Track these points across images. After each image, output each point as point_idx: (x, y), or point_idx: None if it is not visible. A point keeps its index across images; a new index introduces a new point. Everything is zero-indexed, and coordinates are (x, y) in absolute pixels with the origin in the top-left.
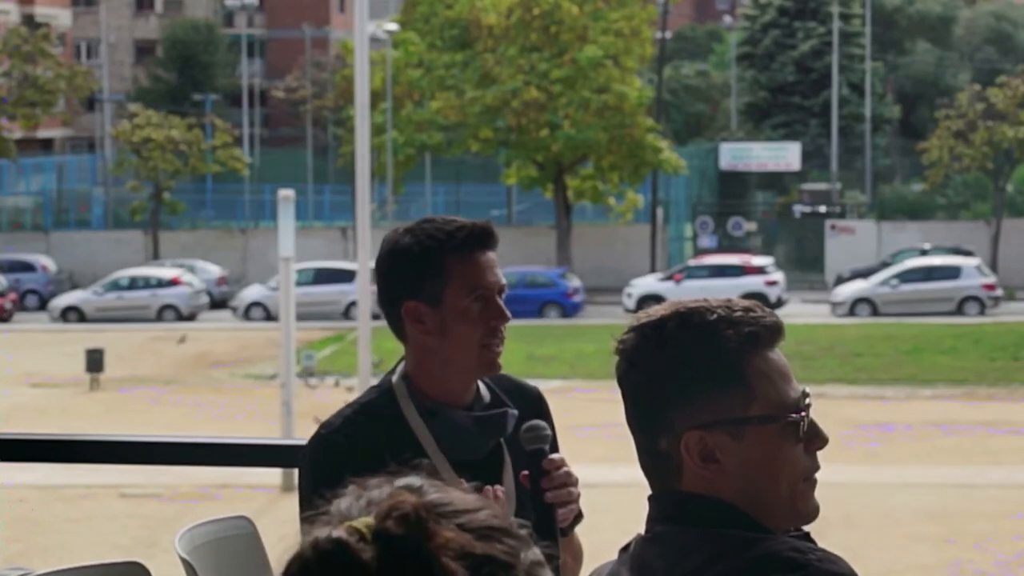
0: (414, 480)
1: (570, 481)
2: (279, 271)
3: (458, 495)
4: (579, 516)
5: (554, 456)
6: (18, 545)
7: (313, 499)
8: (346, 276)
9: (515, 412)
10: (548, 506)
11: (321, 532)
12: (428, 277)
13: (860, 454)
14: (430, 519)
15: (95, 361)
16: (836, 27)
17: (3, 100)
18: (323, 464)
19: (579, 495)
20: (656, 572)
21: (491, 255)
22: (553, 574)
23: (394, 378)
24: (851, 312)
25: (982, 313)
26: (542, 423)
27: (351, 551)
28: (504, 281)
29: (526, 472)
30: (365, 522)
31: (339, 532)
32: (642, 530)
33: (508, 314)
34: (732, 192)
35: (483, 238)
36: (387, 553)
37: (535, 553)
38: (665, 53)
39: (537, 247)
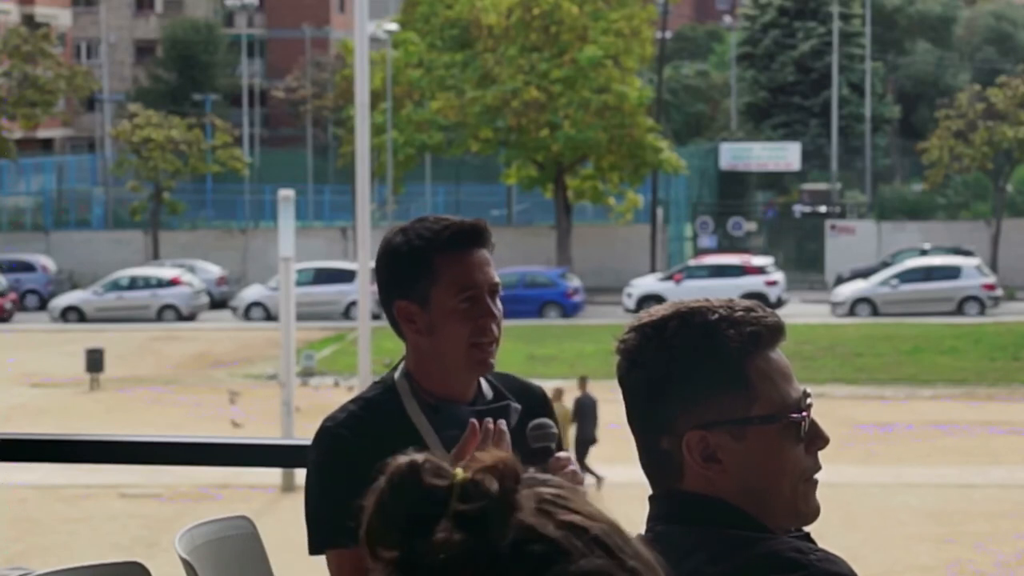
0: (551, 477)
1: (576, 480)
2: (279, 271)
3: (584, 502)
4: None
5: (560, 455)
6: (18, 545)
7: (320, 490)
8: (346, 276)
9: (518, 406)
10: None
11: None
12: (417, 277)
13: (860, 454)
14: (521, 492)
15: (95, 361)
16: (836, 27)
17: (3, 100)
18: (328, 457)
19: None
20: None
21: (481, 253)
22: None
23: (396, 374)
24: (851, 312)
25: (982, 313)
26: (548, 421)
27: (422, 474)
28: (497, 280)
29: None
30: (460, 471)
31: (418, 457)
32: (643, 530)
33: (498, 313)
34: (732, 192)
35: (472, 236)
36: (462, 495)
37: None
38: (665, 53)
39: (537, 247)
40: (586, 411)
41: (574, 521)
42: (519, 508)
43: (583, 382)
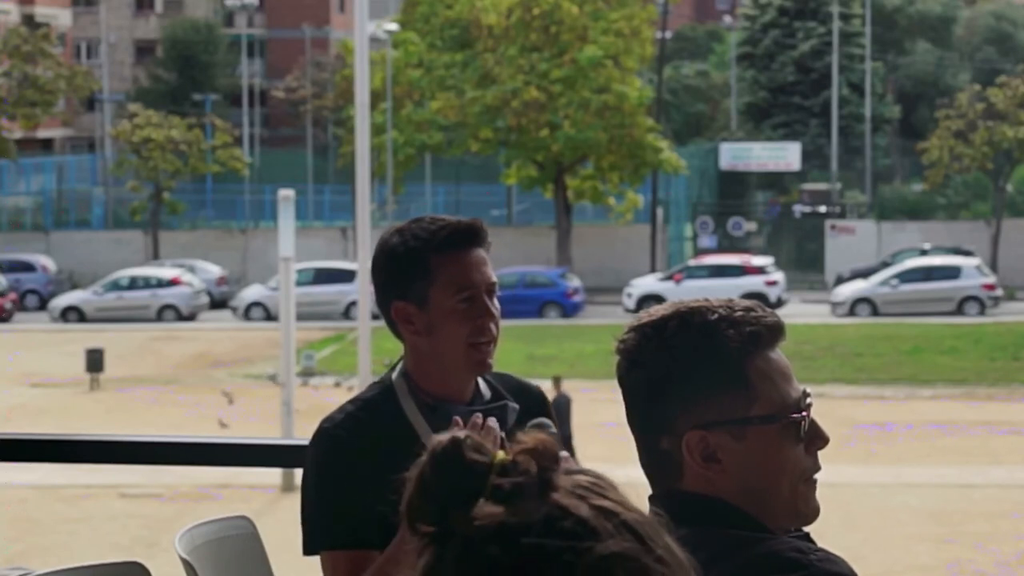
0: (590, 468)
1: None
2: (279, 271)
3: (619, 492)
4: None
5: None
6: (18, 545)
7: (317, 491)
8: (346, 276)
9: (515, 406)
10: None
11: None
12: (414, 278)
13: (860, 454)
14: (558, 474)
15: (95, 361)
16: (836, 27)
17: (3, 100)
18: (325, 457)
19: None
20: None
21: (478, 253)
22: None
23: (394, 375)
24: (851, 312)
25: (982, 313)
26: (547, 421)
27: (464, 450)
28: (494, 279)
29: None
30: (501, 451)
31: (460, 433)
32: None
33: (496, 312)
34: (732, 192)
35: (468, 236)
36: (501, 472)
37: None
38: (665, 53)
39: (537, 247)
40: (561, 410)
41: (606, 506)
42: (555, 488)
43: (557, 382)
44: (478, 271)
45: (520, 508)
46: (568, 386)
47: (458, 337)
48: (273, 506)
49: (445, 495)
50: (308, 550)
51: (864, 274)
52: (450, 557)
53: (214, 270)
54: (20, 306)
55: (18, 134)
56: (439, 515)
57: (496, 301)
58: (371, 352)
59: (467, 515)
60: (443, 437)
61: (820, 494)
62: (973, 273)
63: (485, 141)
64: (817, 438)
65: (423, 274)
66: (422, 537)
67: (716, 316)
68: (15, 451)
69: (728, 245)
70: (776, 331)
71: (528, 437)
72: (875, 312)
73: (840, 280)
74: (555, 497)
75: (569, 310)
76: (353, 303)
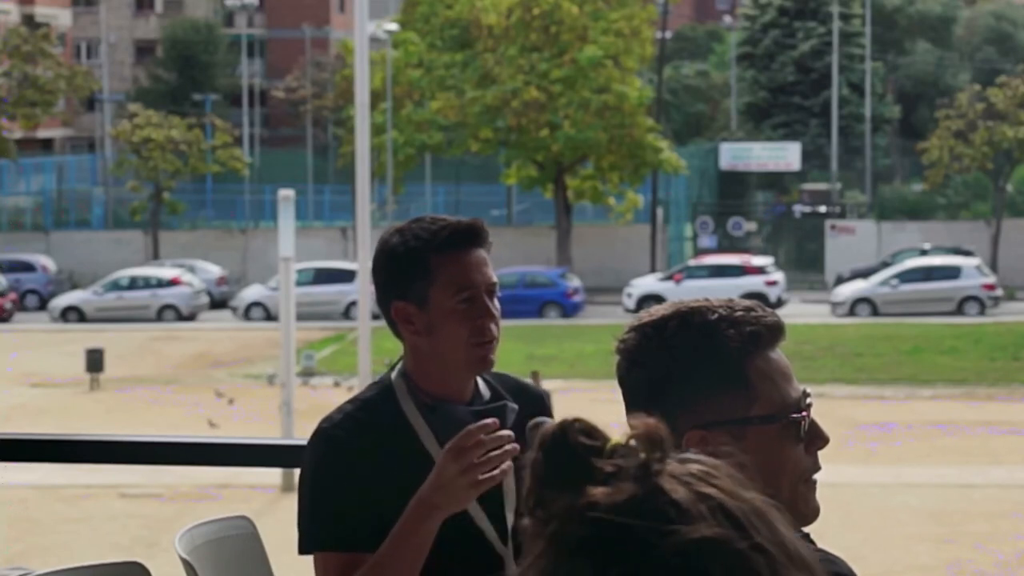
0: (704, 457)
1: None
2: (279, 271)
3: (730, 480)
4: None
5: None
6: (18, 545)
7: (313, 492)
8: (346, 276)
9: (515, 406)
10: None
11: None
12: (414, 278)
13: (860, 454)
14: (666, 460)
15: (95, 361)
16: (836, 27)
17: (3, 100)
18: (324, 458)
19: None
20: None
21: (478, 253)
22: None
23: (393, 375)
24: (851, 312)
25: (982, 313)
26: (548, 420)
27: (572, 434)
28: (494, 279)
29: None
30: (613, 436)
31: (569, 418)
32: None
33: (496, 312)
34: (732, 192)
35: (468, 237)
36: (609, 455)
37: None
38: (665, 53)
39: (537, 247)
40: None
41: (707, 491)
42: (658, 473)
43: (535, 376)
44: (478, 271)
45: (616, 489)
46: (568, 386)
47: (458, 337)
48: (273, 506)
49: (552, 479)
50: (303, 550)
51: (864, 274)
52: (554, 543)
53: (214, 270)
54: (20, 306)
55: (18, 134)
56: (548, 499)
57: (496, 301)
58: (371, 352)
59: (568, 498)
60: (554, 423)
61: (820, 494)
62: (973, 273)
63: (485, 141)
64: (817, 438)
65: (423, 274)
66: (536, 523)
67: (716, 316)
68: (15, 451)
69: (728, 245)
70: (776, 331)
71: (639, 422)
72: (875, 312)
73: (840, 280)
74: (656, 480)
75: (569, 310)
76: (353, 303)
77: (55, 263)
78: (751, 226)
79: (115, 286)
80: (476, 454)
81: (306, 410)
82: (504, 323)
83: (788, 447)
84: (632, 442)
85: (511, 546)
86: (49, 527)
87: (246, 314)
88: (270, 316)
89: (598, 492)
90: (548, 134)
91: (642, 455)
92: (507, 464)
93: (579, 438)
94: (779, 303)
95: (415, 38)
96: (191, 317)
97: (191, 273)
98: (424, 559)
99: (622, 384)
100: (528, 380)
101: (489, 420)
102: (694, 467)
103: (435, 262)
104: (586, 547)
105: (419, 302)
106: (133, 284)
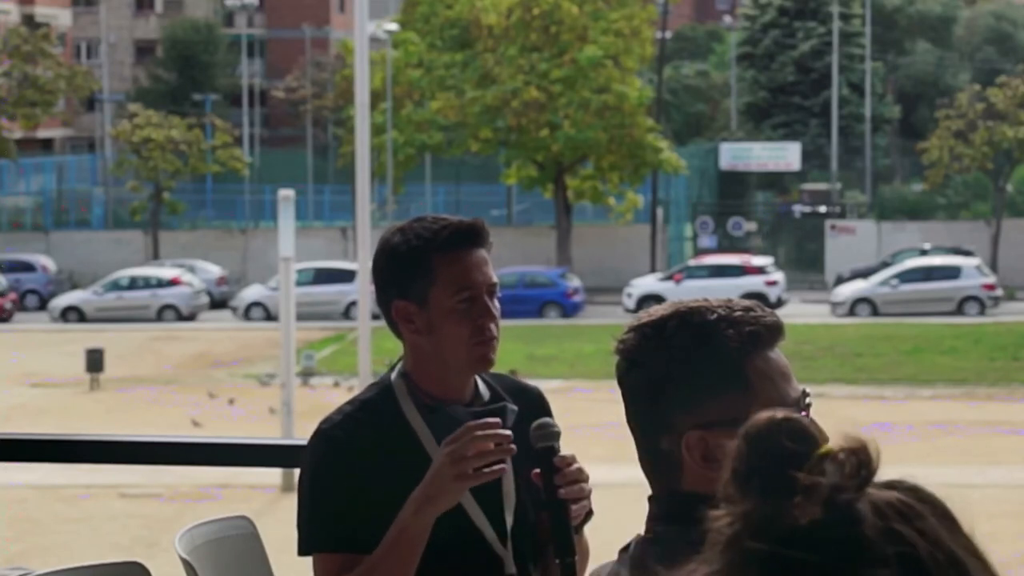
0: (918, 487)
1: (581, 477)
2: (279, 271)
3: (933, 523)
4: (589, 513)
5: (565, 454)
6: (18, 545)
7: (312, 493)
8: (346, 276)
9: (514, 408)
10: (561, 503)
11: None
12: (415, 277)
13: None
14: (871, 485)
15: (95, 361)
16: (836, 27)
17: (3, 100)
18: (323, 458)
19: (590, 491)
20: (656, 572)
21: (479, 253)
22: (572, 571)
23: (393, 375)
24: (851, 312)
25: (982, 313)
26: (551, 420)
27: (780, 434)
28: (495, 280)
29: (537, 470)
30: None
31: (778, 414)
32: (642, 530)
33: (496, 312)
34: (732, 192)
35: (470, 236)
36: (815, 463)
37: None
38: (665, 53)
39: (537, 247)
40: None
41: (903, 533)
42: (856, 499)
43: (513, 375)
44: (479, 271)
45: (804, 508)
46: (568, 386)
47: (458, 337)
48: (273, 506)
49: (746, 479)
50: (302, 551)
51: (864, 274)
52: (726, 539)
53: (214, 270)
54: (20, 306)
55: (18, 134)
56: (746, 493)
57: (497, 301)
58: (371, 352)
59: (771, 501)
60: (764, 415)
61: None
62: (973, 273)
63: (485, 141)
64: None
65: (424, 273)
66: (728, 515)
67: (715, 316)
68: (15, 451)
69: (728, 245)
70: (776, 331)
71: (855, 435)
72: (875, 312)
73: (840, 280)
74: (851, 506)
75: (569, 310)
76: (353, 303)
77: (55, 263)
78: (751, 226)
79: (115, 286)
80: (472, 448)
81: (305, 410)
82: (504, 323)
83: None
84: (841, 455)
85: (510, 547)
86: (49, 527)
87: (246, 314)
88: (270, 316)
89: (785, 508)
90: (548, 134)
91: (846, 471)
92: (502, 466)
93: (783, 441)
94: (779, 303)
95: (415, 38)
96: (191, 317)
97: (191, 273)
98: (419, 557)
99: (622, 384)
100: (528, 381)
101: (491, 420)
102: (899, 498)
103: (436, 261)
104: (757, 564)
105: (420, 301)
106: (133, 284)
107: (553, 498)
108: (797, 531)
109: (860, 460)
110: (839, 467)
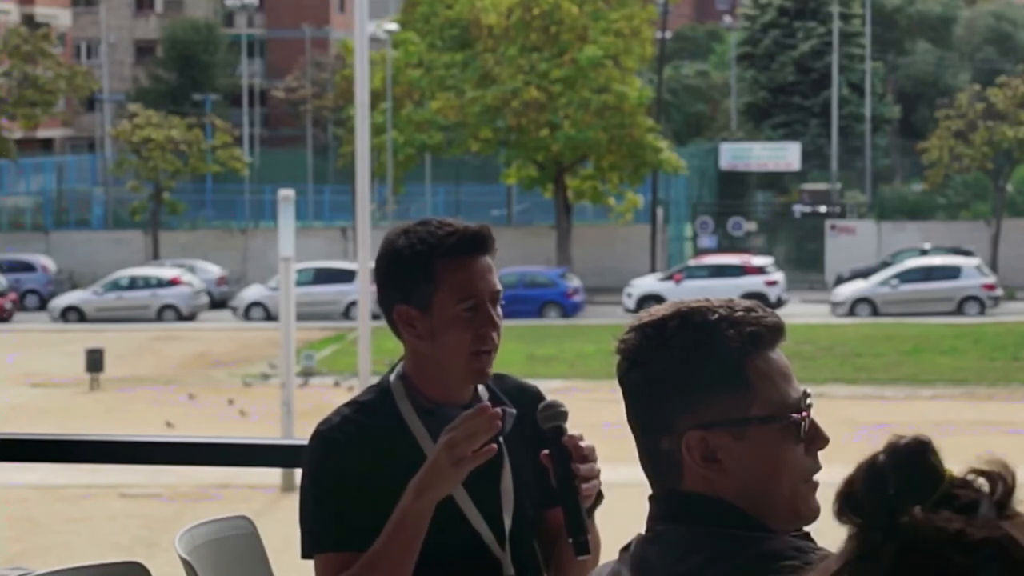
0: None
1: (592, 456)
2: (279, 271)
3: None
4: (600, 496)
5: (573, 433)
6: (18, 545)
7: (312, 495)
8: (346, 276)
9: (513, 411)
10: (571, 482)
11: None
12: (419, 282)
13: (860, 454)
14: (1012, 503)
15: (95, 361)
16: (836, 27)
17: (3, 100)
18: (322, 461)
19: (600, 471)
20: (656, 572)
21: (484, 260)
22: (584, 550)
23: (392, 377)
24: (851, 312)
25: (982, 313)
26: (558, 401)
27: (928, 454)
28: (499, 287)
29: (546, 452)
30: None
31: (924, 437)
32: (642, 530)
33: (498, 321)
34: (732, 192)
35: (475, 243)
36: (959, 483)
37: None
38: (665, 53)
39: (537, 247)
40: None
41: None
42: (1008, 516)
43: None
44: (483, 279)
45: (975, 523)
46: (568, 386)
47: (460, 344)
48: (273, 506)
49: (898, 491)
50: (305, 554)
51: (864, 274)
52: (888, 551)
53: (214, 270)
54: (20, 306)
55: (18, 134)
56: (883, 508)
57: (499, 309)
58: (371, 352)
59: (923, 515)
60: (908, 436)
61: (820, 494)
62: (973, 273)
63: (485, 141)
64: (817, 438)
65: (428, 279)
66: (854, 525)
67: (716, 316)
68: (15, 451)
69: (728, 245)
70: (776, 331)
71: (996, 460)
72: (875, 312)
73: (840, 280)
74: (1005, 526)
75: (569, 310)
76: (353, 303)
77: (55, 263)
78: (751, 226)
79: (115, 286)
80: (468, 431)
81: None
82: (504, 323)
83: (788, 447)
84: (979, 476)
85: (508, 549)
86: (49, 527)
87: (246, 314)
88: (270, 316)
89: (959, 520)
90: (548, 134)
91: (988, 491)
92: (493, 446)
93: (934, 460)
94: (779, 303)
95: (415, 38)
96: (191, 317)
97: (191, 273)
98: (419, 545)
99: (622, 384)
100: (528, 381)
101: (484, 405)
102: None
103: (441, 268)
104: (938, 573)
105: (422, 306)
106: (133, 284)
107: (564, 477)
108: (974, 544)
109: (999, 478)
110: (981, 486)
